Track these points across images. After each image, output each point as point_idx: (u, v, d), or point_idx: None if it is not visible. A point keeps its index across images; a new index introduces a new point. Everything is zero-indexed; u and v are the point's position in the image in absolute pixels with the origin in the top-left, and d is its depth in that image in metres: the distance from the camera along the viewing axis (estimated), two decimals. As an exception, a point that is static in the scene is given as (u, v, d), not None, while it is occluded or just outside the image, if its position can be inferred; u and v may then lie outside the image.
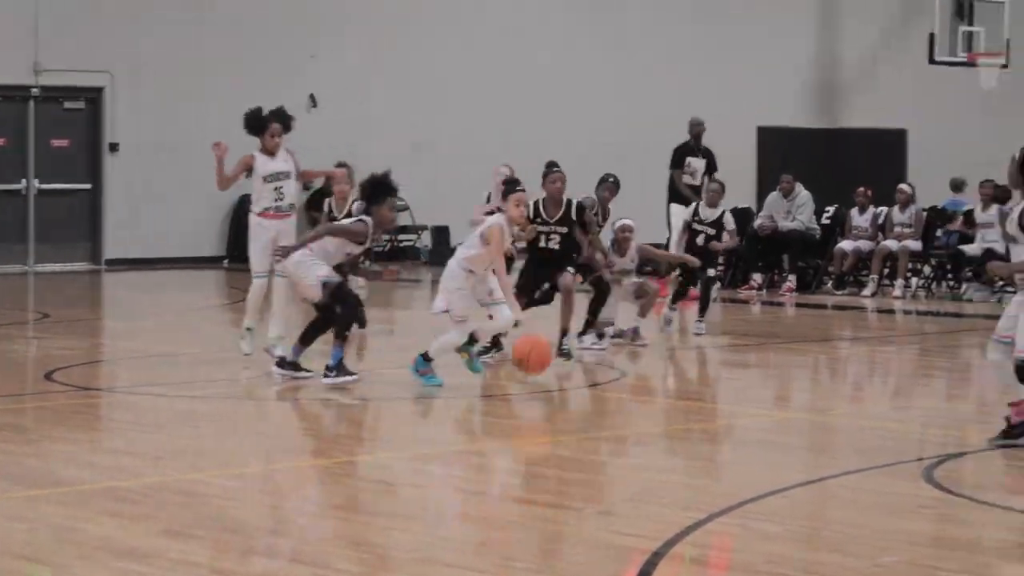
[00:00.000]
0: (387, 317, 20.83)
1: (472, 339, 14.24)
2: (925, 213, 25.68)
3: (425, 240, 31.30)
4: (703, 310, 18.96)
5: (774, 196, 25.84)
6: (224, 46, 29.44)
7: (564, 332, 16.06)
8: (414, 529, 8.97)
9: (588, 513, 9.65)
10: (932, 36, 27.90)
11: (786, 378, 16.95)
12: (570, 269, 16.06)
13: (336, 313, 14.34)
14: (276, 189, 15.40)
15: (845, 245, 25.72)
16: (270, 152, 15.40)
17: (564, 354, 15.83)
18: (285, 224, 15.53)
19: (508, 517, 9.60)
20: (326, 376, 14.25)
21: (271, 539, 8.77)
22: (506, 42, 31.31)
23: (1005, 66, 27.81)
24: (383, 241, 27.93)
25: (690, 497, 10.20)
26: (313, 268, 14.12)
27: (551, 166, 16.39)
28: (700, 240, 18.97)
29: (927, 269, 25.53)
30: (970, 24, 28.25)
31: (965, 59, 28.10)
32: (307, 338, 14.75)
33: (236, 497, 9.89)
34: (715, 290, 20.53)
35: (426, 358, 14.05)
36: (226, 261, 29.54)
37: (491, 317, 14.30)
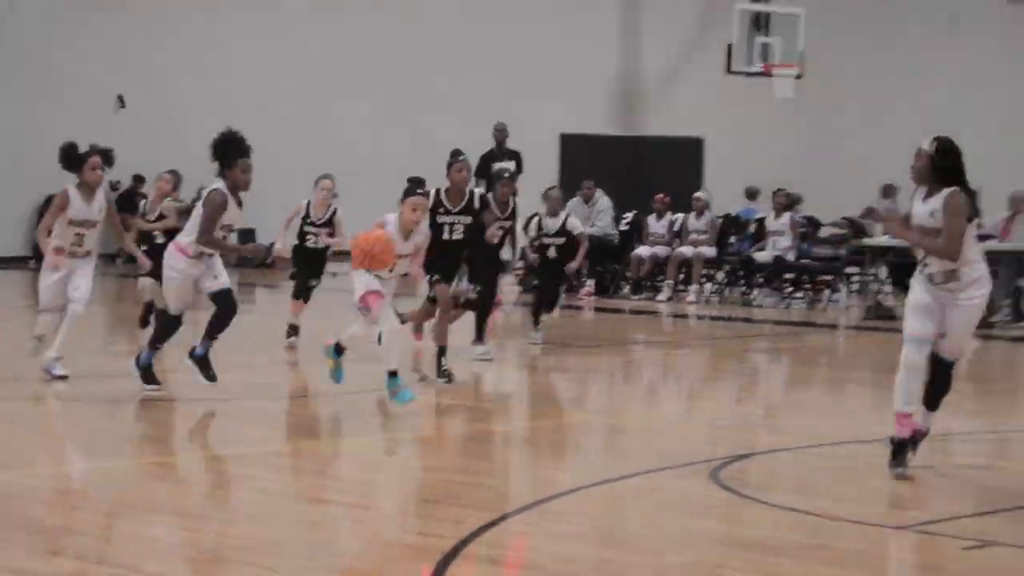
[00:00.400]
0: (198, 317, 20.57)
1: (340, 348, 13.55)
2: (720, 220, 26.09)
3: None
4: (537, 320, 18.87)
5: (575, 202, 26.06)
6: (30, 42, 29.04)
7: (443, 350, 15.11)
8: (213, 529, 8.98)
9: (385, 513, 9.74)
10: (730, 47, 28.31)
11: (582, 381, 17.10)
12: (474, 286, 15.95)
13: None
14: (77, 235, 14.51)
15: (642, 251, 26.09)
16: (90, 187, 14.42)
17: (445, 375, 14.94)
18: (83, 263, 14.70)
19: (307, 517, 9.64)
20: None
21: (74, 540, 8.72)
22: (309, 48, 31.27)
23: (800, 76, 28.30)
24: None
25: (485, 498, 10.30)
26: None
27: (456, 154, 15.65)
28: (552, 253, 18.86)
29: (720, 275, 25.93)
30: (766, 35, 28.70)
31: (761, 70, 28.53)
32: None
33: (37, 498, 9.82)
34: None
35: (392, 374, 13.04)
36: (32, 261, 29.11)
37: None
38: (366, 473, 11.30)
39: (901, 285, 22.98)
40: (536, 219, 19.36)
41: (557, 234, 18.93)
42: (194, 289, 13.62)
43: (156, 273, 15.71)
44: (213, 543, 8.58)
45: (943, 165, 10.28)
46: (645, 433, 13.41)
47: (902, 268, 22.57)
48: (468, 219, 15.33)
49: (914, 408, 10.63)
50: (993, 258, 21.69)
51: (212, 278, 13.52)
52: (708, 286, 25.69)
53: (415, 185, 13.92)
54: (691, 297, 25.10)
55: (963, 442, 12.96)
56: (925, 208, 10.39)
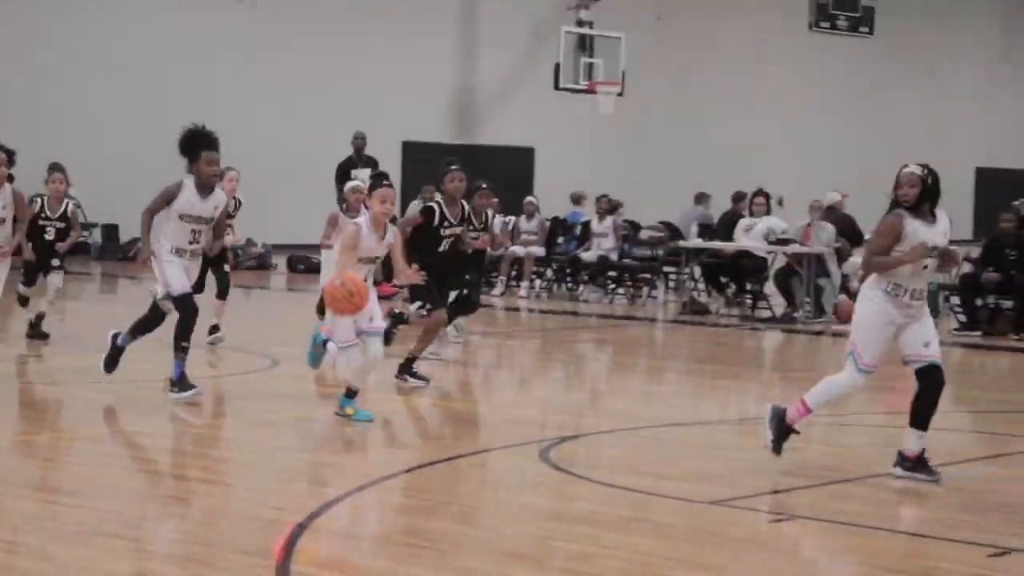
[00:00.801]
0: (58, 307, 20.23)
1: (351, 391, 11.73)
2: (548, 223, 26.19)
3: (96, 237, 30.65)
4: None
5: (415, 204, 26.00)
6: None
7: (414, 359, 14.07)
8: (77, 504, 8.83)
9: (240, 489, 9.65)
10: (558, 66, 28.46)
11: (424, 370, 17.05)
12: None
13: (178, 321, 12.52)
14: None
15: (478, 250, 26.17)
16: None
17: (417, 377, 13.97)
18: None
19: (167, 492, 9.54)
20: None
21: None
22: (167, 54, 30.94)
23: (620, 94, 28.50)
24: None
25: (333, 474, 10.29)
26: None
27: (450, 163, 13.99)
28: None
29: (549, 272, 26.01)
30: (591, 56, 28.88)
31: (586, 87, 28.71)
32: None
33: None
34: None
35: (349, 394, 11.74)
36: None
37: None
38: (222, 451, 11.22)
39: (714, 283, 23.22)
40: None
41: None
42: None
43: (39, 269, 15.84)
44: (78, 517, 8.43)
45: (934, 189, 9.97)
46: (482, 416, 13.44)
47: (714, 268, 22.78)
48: (460, 230, 13.91)
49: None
50: (797, 260, 22.12)
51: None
52: (538, 282, 25.75)
53: (381, 177, 12.43)
54: (522, 292, 25.14)
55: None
56: (938, 230, 9.97)
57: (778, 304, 22.45)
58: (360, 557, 8.09)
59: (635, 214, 26.38)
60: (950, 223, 10.00)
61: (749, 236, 22.55)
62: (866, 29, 35.02)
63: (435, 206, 13.77)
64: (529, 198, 26.74)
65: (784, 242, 22.71)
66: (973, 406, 14.94)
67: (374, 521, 8.97)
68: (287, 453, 11.03)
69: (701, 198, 28.09)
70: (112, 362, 12.84)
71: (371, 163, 24.68)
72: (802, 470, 10.34)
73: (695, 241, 23.45)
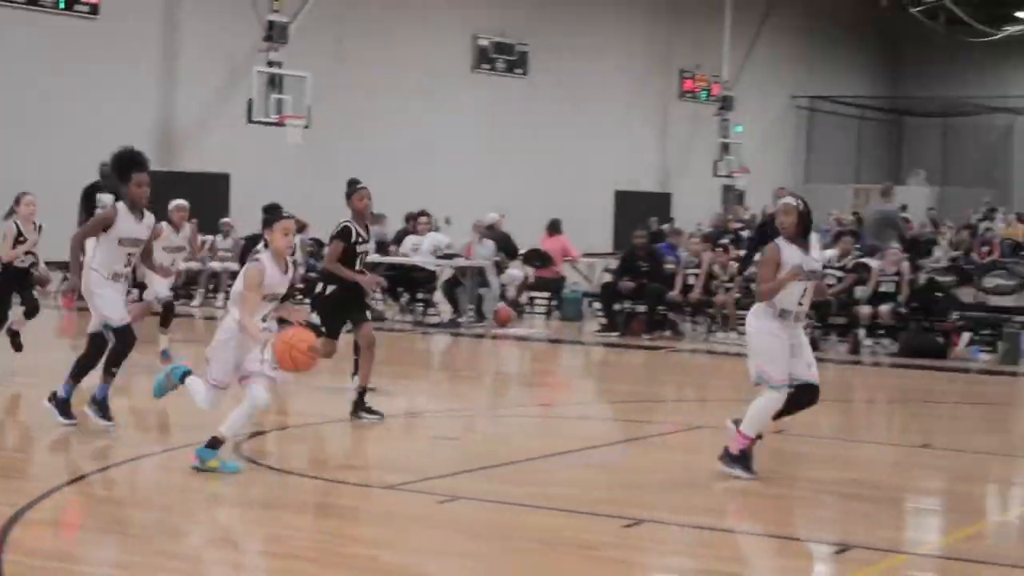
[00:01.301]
0: None
1: (216, 441, 9.57)
2: (243, 241, 26.04)
3: None
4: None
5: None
6: None
7: (364, 390, 12.35)
8: None
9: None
10: (251, 101, 28.27)
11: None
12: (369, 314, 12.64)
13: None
14: None
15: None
16: None
17: (372, 412, 12.15)
18: None
19: None
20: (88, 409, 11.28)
21: None
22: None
23: (307, 126, 28.45)
24: None
25: (46, 472, 10.07)
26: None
27: (355, 183, 12.64)
28: None
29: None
30: (280, 92, 28.76)
31: (276, 120, 28.59)
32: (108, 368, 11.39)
33: None
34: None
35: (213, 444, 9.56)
36: None
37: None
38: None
39: (390, 293, 23.30)
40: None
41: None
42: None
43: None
44: None
45: (808, 218, 9.91)
46: (179, 416, 13.24)
47: (391, 279, 22.85)
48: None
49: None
50: (461, 272, 22.41)
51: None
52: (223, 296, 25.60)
53: (278, 209, 10.96)
54: (219, 303, 24.91)
55: (436, 418, 13.25)
56: (812, 256, 9.91)
57: (445, 311, 22.73)
58: (68, 546, 7.96)
59: (321, 233, 26.31)
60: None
61: (418, 252, 22.83)
62: (521, 70, 35.63)
63: (349, 225, 12.29)
64: (225, 219, 26.65)
65: (450, 256, 23.05)
66: (612, 397, 15.36)
67: (81, 512, 8.83)
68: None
69: (378, 219, 28.19)
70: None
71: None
72: (467, 458, 10.50)
73: (372, 257, 23.55)
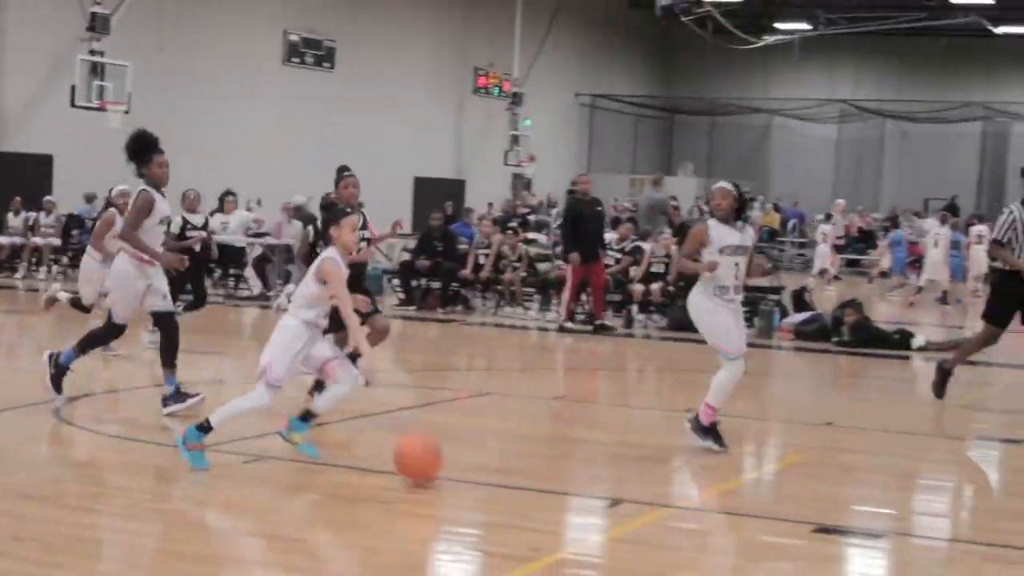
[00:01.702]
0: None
1: (308, 414, 8.90)
2: (64, 218, 25.51)
3: None
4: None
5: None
6: None
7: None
8: None
9: None
10: (73, 87, 27.55)
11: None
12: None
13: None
14: None
15: (2, 239, 25.42)
16: None
17: None
18: None
19: None
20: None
21: None
22: None
23: (127, 112, 27.83)
24: None
25: None
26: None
27: (344, 170, 11.52)
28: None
29: (66, 259, 25.22)
30: (102, 80, 28.08)
31: (98, 105, 27.92)
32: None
33: None
34: None
35: (203, 427, 8.53)
36: None
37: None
38: None
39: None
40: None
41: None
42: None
43: None
44: None
45: (743, 202, 9.74)
46: (4, 380, 12.88)
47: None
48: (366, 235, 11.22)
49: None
50: (270, 249, 22.14)
51: (161, 297, 10.60)
52: (55, 268, 24.99)
53: (336, 207, 9.97)
54: (41, 276, 24.36)
55: (244, 384, 13.05)
56: (745, 237, 9.72)
57: (255, 286, 22.48)
58: None
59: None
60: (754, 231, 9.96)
61: (227, 230, 22.50)
62: (328, 64, 35.28)
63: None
64: (48, 197, 26.08)
65: (260, 235, 22.77)
66: (409, 366, 15.33)
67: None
68: None
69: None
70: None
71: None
72: (272, 422, 10.39)
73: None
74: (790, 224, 40.48)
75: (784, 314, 19.26)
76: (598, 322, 18.94)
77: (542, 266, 21.83)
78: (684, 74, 51.57)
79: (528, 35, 41.64)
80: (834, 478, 9.25)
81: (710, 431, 9.70)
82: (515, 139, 41.37)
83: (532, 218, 32.72)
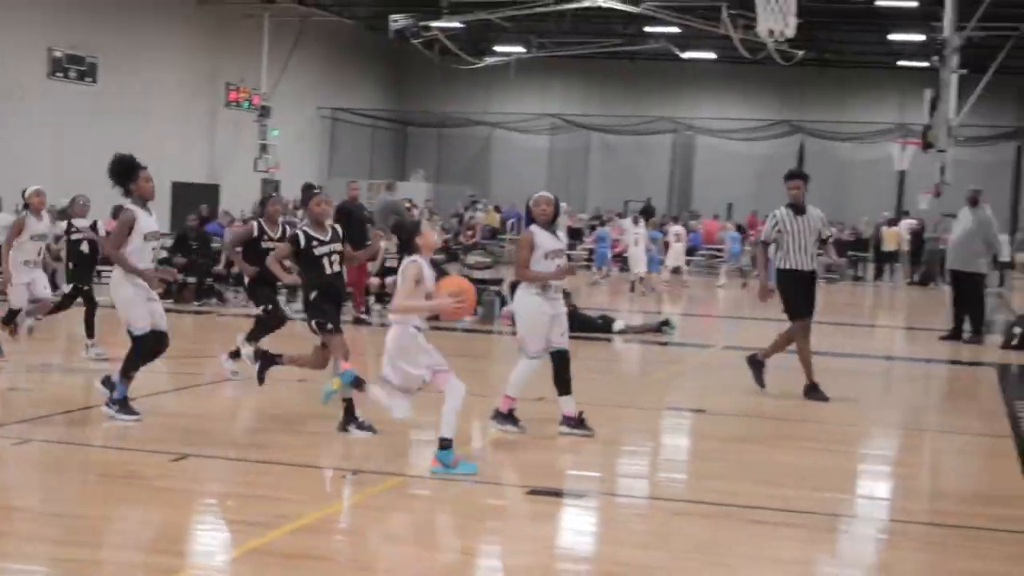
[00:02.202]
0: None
1: (447, 442, 8.14)
2: None
3: None
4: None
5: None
6: None
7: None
8: None
9: None
10: None
11: None
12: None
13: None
14: None
15: None
16: None
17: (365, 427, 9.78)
18: None
19: None
20: (107, 407, 9.71)
21: None
22: None
23: None
24: None
25: None
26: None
27: (311, 188, 10.84)
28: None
29: None
30: None
31: None
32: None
33: None
34: None
35: (446, 445, 8.16)
36: None
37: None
38: None
39: None
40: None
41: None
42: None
43: None
44: None
45: (558, 209, 9.68)
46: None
47: None
48: (339, 247, 10.01)
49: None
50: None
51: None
52: None
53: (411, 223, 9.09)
54: None
55: (15, 372, 12.57)
56: (561, 240, 9.74)
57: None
58: None
59: None
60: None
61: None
62: (91, 79, 34.06)
63: (300, 233, 9.94)
64: None
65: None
66: (167, 353, 14.96)
67: None
68: None
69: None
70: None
71: None
72: (43, 403, 10.07)
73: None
74: (509, 223, 41.08)
75: (504, 303, 19.55)
76: (356, 315, 18.88)
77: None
78: (415, 90, 51.72)
79: (275, 53, 41.30)
80: (546, 447, 9.46)
81: (508, 417, 9.77)
82: (264, 148, 41.02)
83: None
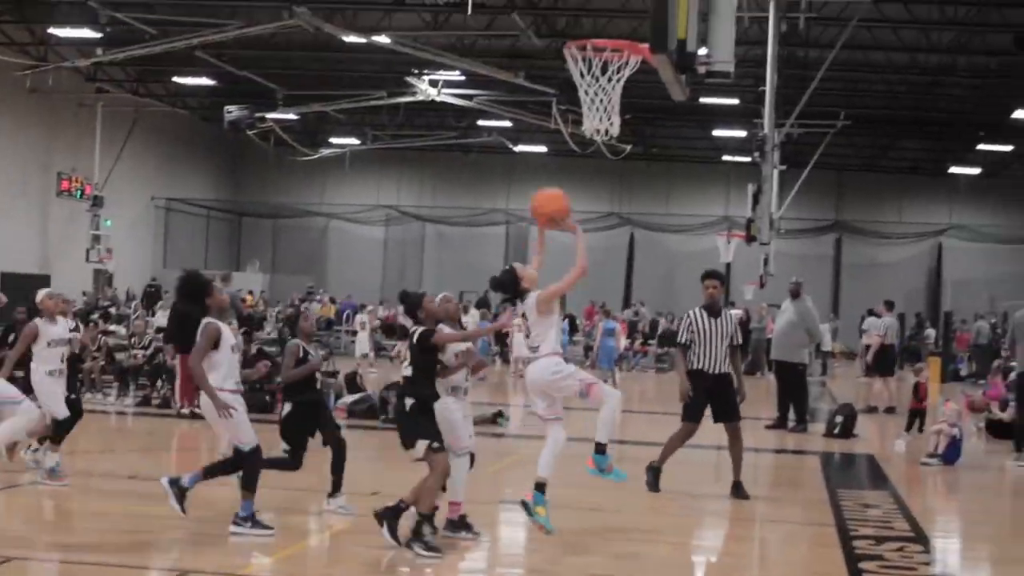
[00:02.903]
0: None
1: (542, 485, 8.89)
2: None
3: None
4: None
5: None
6: None
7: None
8: None
9: None
10: None
11: None
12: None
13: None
14: None
15: None
16: None
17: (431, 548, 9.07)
18: None
19: None
20: (235, 525, 9.23)
21: None
22: None
23: None
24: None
25: None
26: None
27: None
28: None
29: None
30: None
31: None
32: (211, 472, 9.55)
33: None
34: None
35: (540, 488, 8.88)
36: None
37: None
38: None
39: None
40: None
41: None
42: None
43: None
44: None
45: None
46: None
47: None
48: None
49: None
50: None
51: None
52: None
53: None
54: None
55: None
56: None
57: None
58: None
59: None
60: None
61: None
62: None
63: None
64: None
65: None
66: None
67: None
68: None
69: None
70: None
71: None
72: None
73: None
74: (344, 314, 40.85)
75: (339, 395, 19.36)
76: (188, 409, 18.38)
77: (119, 355, 21.10)
78: (251, 180, 51.37)
79: (108, 143, 40.62)
80: (379, 541, 9.30)
81: (459, 524, 9.52)
82: (96, 238, 40.07)
83: (113, 311, 31.63)
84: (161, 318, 27.80)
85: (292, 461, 10.17)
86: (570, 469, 9.63)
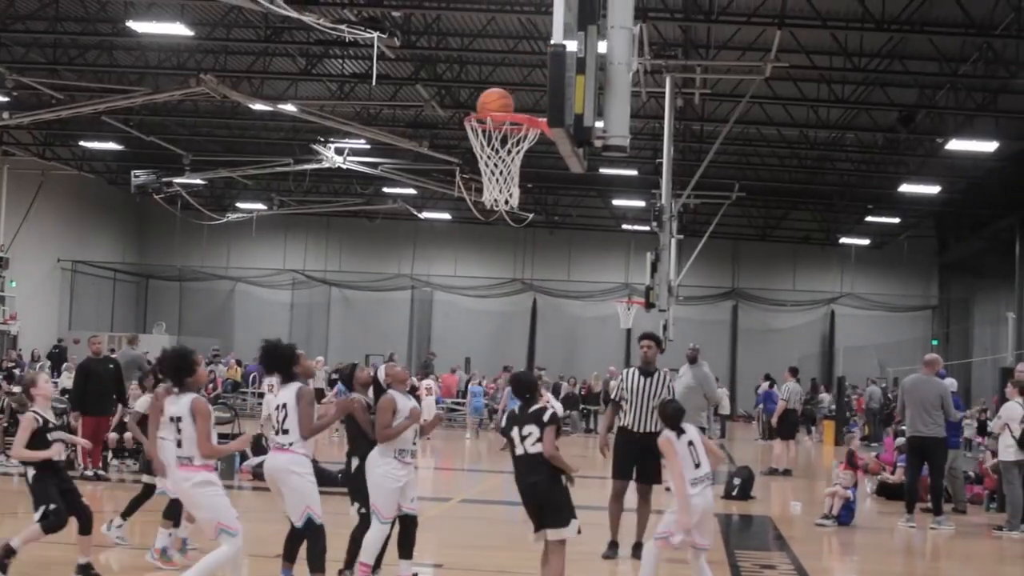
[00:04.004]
0: None
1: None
2: None
3: None
4: None
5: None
6: None
7: None
8: None
9: None
10: None
11: None
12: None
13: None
14: None
15: None
16: None
17: None
18: None
19: None
20: None
21: None
22: None
23: None
24: None
25: None
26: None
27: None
28: None
29: None
30: None
31: None
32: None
33: None
34: None
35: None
36: None
37: None
38: None
39: None
40: None
41: None
42: None
43: None
44: None
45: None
46: None
47: None
48: None
49: None
50: None
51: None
52: None
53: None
54: None
55: None
56: (416, 402, 9.49)
57: None
58: None
59: None
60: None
61: None
62: None
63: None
64: None
65: None
66: None
67: None
68: None
69: None
70: None
71: None
72: None
73: None
74: (251, 377, 40.33)
75: (244, 457, 19.06)
76: (92, 471, 18.05)
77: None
78: (157, 243, 50.74)
79: (14, 205, 39.98)
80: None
81: None
82: (1, 299, 39.27)
83: (17, 371, 30.90)
84: (66, 380, 27.18)
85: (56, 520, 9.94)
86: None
